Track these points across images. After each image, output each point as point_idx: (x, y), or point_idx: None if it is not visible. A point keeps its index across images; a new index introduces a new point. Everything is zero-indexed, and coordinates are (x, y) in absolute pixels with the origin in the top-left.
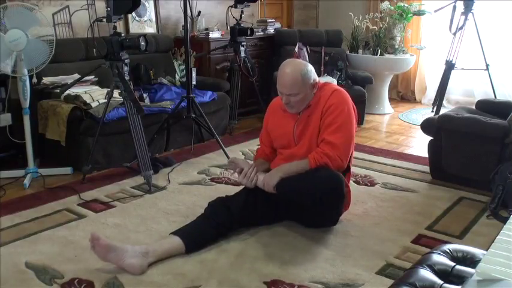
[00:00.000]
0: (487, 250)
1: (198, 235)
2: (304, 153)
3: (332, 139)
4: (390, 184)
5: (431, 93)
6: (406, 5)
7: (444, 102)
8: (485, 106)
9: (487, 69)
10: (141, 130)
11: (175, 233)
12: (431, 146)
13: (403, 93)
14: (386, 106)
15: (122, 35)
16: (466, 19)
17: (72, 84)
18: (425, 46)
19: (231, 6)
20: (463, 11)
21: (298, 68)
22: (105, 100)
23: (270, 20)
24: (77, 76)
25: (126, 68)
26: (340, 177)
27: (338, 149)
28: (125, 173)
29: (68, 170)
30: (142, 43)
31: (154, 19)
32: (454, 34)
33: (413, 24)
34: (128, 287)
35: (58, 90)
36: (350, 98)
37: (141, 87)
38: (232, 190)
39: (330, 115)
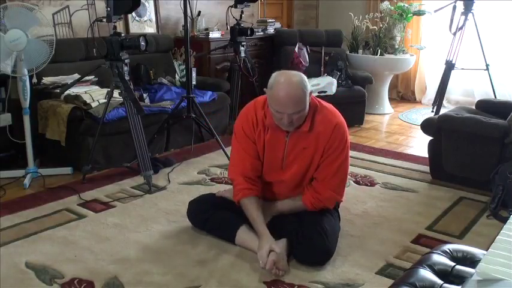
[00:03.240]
0: (487, 250)
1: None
2: (291, 180)
3: (332, 181)
4: (390, 184)
5: (431, 93)
6: (406, 5)
7: (444, 102)
8: (485, 106)
9: (487, 69)
10: (141, 130)
11: (237, 226)
12: (431, 146)
13: (403, 93)
14: (386, 106)
15: (122, 35)
16: (466, 19)
17: (72, 84)
18: (425, 46)
19: (231, 6)
20: (463, 11)
21: (296, 81)
22: (105, 100)
23: (270, 20)
24: (77, 76)
25: (126, 68)
26: (331, 251)
27: (337, 189)
28: (125, 173)
29: (68, 170)
30: (142, 43)
31: (154, 19)
32: (454, 34)
33: (413, 24)
34: (128, 287)
35: (58, 90)
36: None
37: (141, 87)
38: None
39: (332, 154)
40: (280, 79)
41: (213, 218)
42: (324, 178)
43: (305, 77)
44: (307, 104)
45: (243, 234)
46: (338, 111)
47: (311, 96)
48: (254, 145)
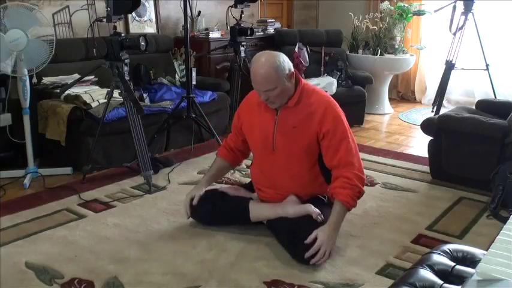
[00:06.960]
0: (487, 250)
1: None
2: (284, 163)
3: (350, 160)
4: (390, 184)
5: (431, 93)
6: (406, 5)
7: (444, 102)
8: (485, 106)
9: (487, 69)
10: (141, 130)
11: (247, 201)
12: (431, 146)
13: (403, 93)
14: (386, 106)
15: (122, 35)
16: (466, 19)
17: (72, 84)
18: (425, 46)
19: (231, 6)
20: (463, 11)
21: (270, 61)
22: (105, 100)
23: (270, 20)
24: (77, 76)
25: (126, 68)
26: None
27: (359, 167)
28: (125, 173)
29: (68, 170)
30: (142, 43)
31: (154, 19)
32: (454, 34)
33: (413, 24)
34: (128, 287)
35: (58, 90)
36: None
37: (141, 87)
38: None
39: (333, 134)
40: (256, 58)
41: (220, 204)
42: (339, 162)
43: (283, 58)
44: (284, 83)
45: (255, 206)
46: (331, 97)
47: (297, 78)
48: (240, 129)
